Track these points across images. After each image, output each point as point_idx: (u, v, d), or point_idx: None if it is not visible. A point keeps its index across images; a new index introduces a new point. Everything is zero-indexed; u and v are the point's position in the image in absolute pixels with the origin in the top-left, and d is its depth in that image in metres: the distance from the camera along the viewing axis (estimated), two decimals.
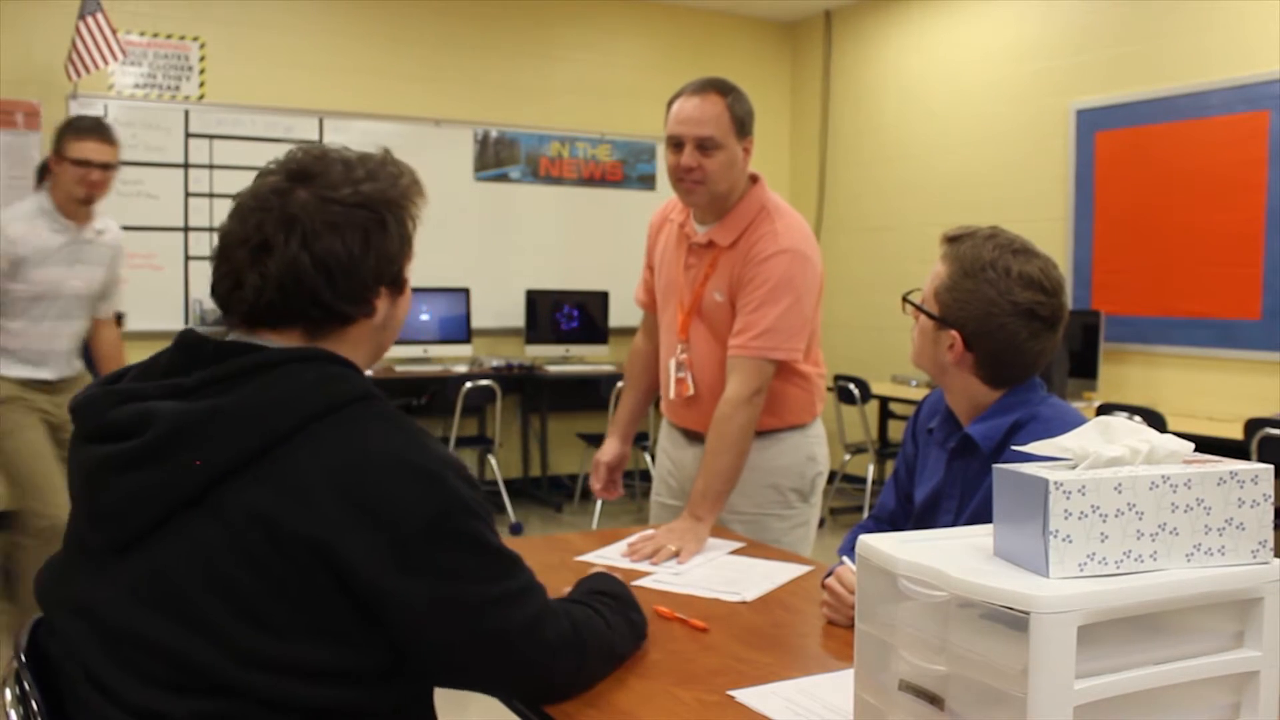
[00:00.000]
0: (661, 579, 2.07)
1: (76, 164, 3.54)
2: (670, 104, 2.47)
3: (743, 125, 2.45)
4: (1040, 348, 1.72)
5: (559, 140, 7.14)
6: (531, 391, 6.87)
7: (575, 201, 7.24)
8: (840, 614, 1.77)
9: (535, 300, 6.86)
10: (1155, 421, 4.48)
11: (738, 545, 2.36)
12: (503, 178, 7.00)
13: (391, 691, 1.22)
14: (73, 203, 3.62)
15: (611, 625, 1.51)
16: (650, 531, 2.35)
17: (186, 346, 1.24)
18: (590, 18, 7.12)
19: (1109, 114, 5.62)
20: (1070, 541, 1.03)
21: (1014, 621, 0.99)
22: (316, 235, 1.22)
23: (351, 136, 6.34)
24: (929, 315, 1.75)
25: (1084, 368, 5.32)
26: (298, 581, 1.12)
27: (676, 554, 2.23)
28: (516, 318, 6.94)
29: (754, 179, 2.54)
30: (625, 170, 7.37)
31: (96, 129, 3.60)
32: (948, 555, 1.10)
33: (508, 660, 1.27)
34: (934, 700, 1.08)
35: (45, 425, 3.64)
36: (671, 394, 2.62)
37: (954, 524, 1.78)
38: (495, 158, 6.97)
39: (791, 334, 2.44)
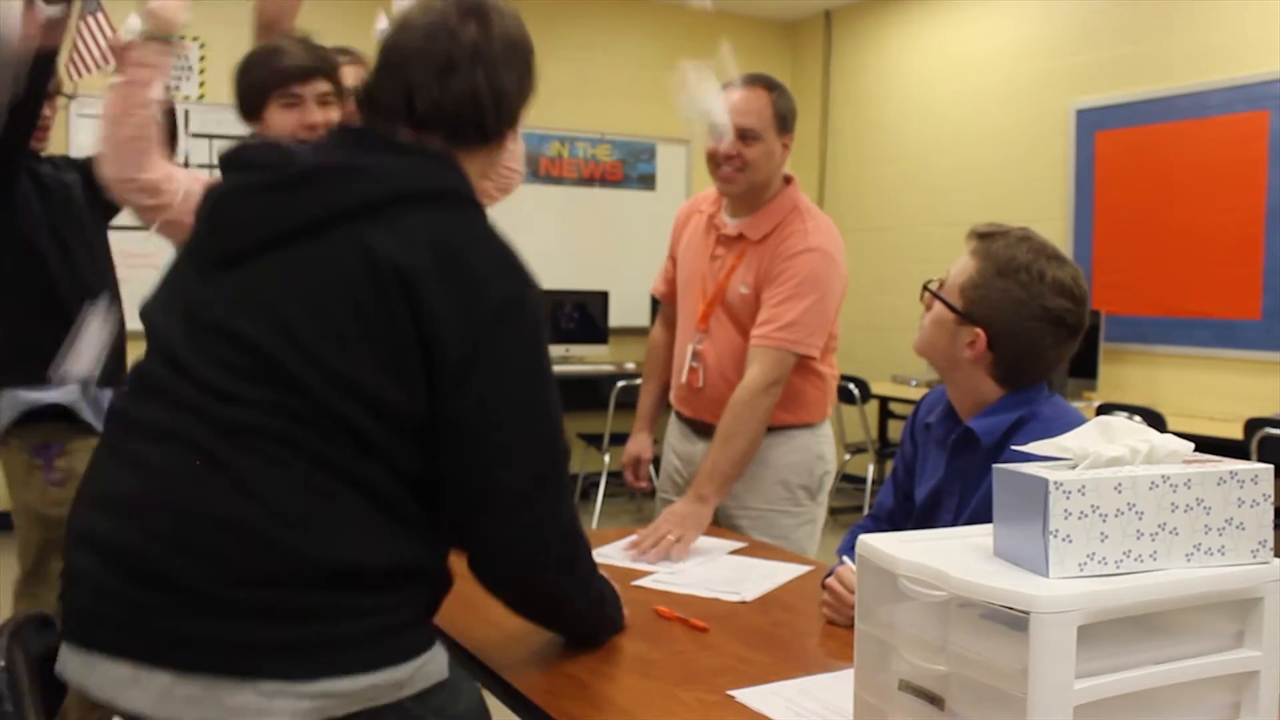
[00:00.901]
0: (661, 579, 2.07)
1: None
2: None
3: (784, 121, 2.55)
4: (1060, 355, 1.72)
5: (559, 140, 7.14)
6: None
7: (575, 201, 7.24)
8: (840, 614, 1.77)
9: None
10: (1155, 421, 4.48)
11: (738, 545, 2.36)
12: None
13: (420, 505, 1.31)
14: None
15: (605, 595, 1.63)
16: (653, 524, 2.35)
17: (337, 130, 1.44)
18: (590, 17, 7.13)
19: (1109, 114, 5.62)
20: (1070, 541, 1.03)
21: (1014, 621, 0.99)
22: (494, 67, 1.41)
23: None
24: (952, 309, 1.73)
25: (1084, 367, 5.32)
26: (380, 309, 1.25)
27: (678, 540, 2.24)
28: None
29: (787, 180, 2.61)
30: (625, 170, 7.37)
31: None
32: (948, 555, 1.10)
33: (522, 475, 1.33)
34: (934, 700, 1.08)
35: None
36: (683, 379, 2.65)
37: (955, 522, 1.78)
38: None
39: (813, 330, 2.48)
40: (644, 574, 2.10)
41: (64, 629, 1.28)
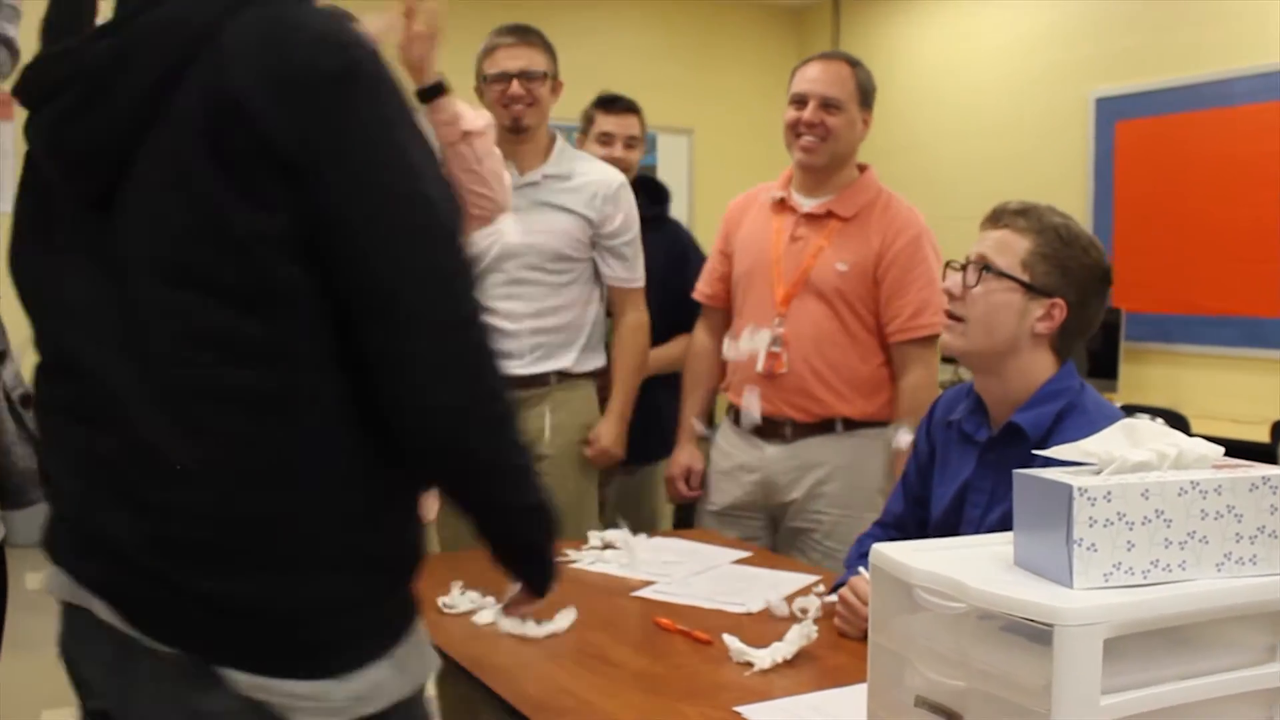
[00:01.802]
0: (662, 589, 2.07)
1: (492, 80, 2.76)
2: (793, 74, 2.66)
3: (866, 95, 2.64)
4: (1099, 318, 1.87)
5: (557, 130, 7.14)
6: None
7: None
8: (853, 626, 1.77)
9: None
10: (1179, 424, 4.48)
11: (742, 554, 2.36)
12: None
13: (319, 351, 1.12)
14: (504, 133, 2.72)
15: (546, 499, 1.32)
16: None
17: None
18: (589, 2, 7.12)
19: (1130, 103, 5.61)
20: (1095, 550, 1.03)
21: (1036, 634, 0.99)
22: None
23: None
24: (1025, 284, 1.77)
25: (1104, 367, 5.31)
26: (228, 145, 1.09)
27: None
28: None
29: (861, 169, 2.70)
30: None
31: (512, 30, 2.82)
32: (966, 564, 1.10)
33: (416, 278, 1.11)
34: (951, 717, 1.07)
35: None
36: (759, 367, 2.59)
37: (981, 521, 1.79)
38: None
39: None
40: (644, 584, 2.10)
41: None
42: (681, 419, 2.85)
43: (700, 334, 2.87)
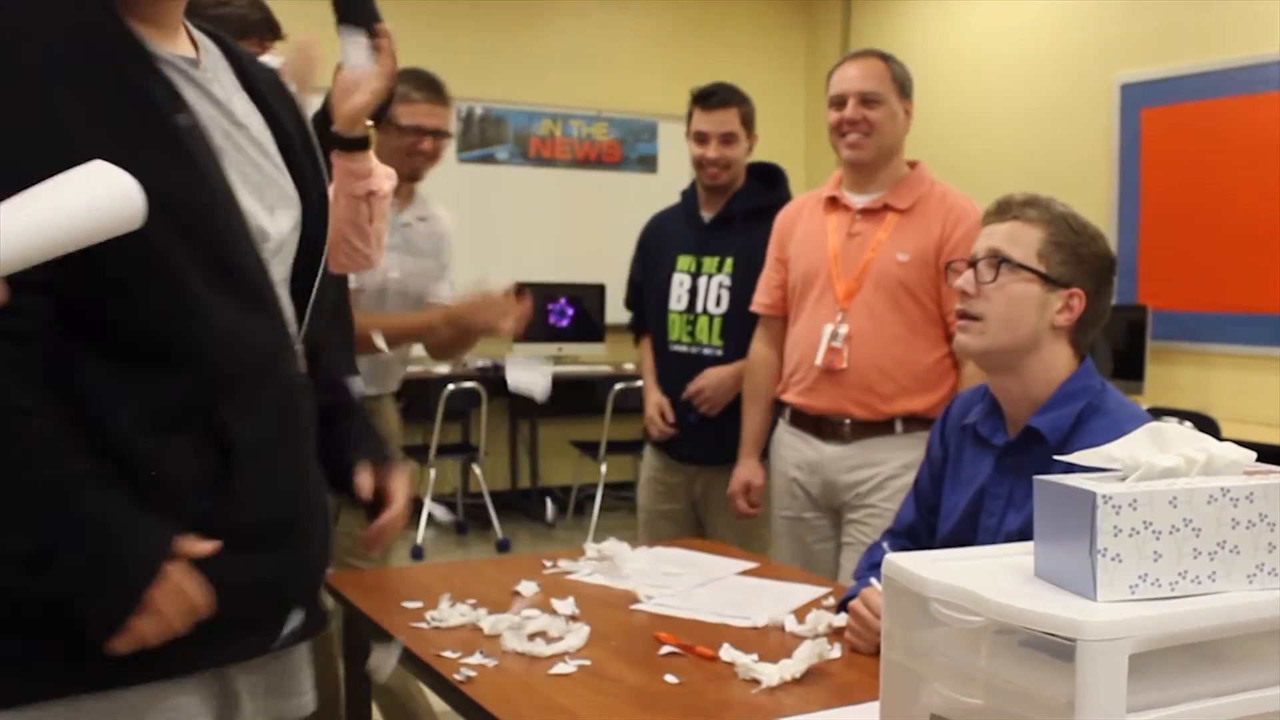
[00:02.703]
0: (663, 602, 2.06)
1: (405, 131, 2.96)
2: (829, 78, 2.80)
3: (903, 86, 2.77)
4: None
5: (551, 118, 7.13)
6: (521, 395, 6.85)
7: (569, 185, 7.23)
8: (865, 640, 1.77)
9: (523, 293, 6.85)
10: (1208, 427, 4.48)
11: (748, 565, 2.36)
12: (488, 159, 7.00)
13: None
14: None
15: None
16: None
17: None
18: None
19: (1156, 88, 5.61)
20: (1120, 561, 1.03)
21: (1058, 650, 0.99)
22: None
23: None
24: (1043, 276, 1.78)
25: (1129, 368, 5.31)
26: None
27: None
28: None
29: (913, 164, 2.81)
30: (624, 151, 7.36)
31: (430, 86, 3.01)
32: (984, 576, 1.10)
33: None
34: None
35: None
36: (818, 361, 2.69)
37: (999, 528, 1.79)
38: (480, 137, 6.97)
39: None
40: (641, 599, 2.09)
41: None
42: (743, 433, 2.97)
43: (759, 345, 2.97)
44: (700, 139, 3.18)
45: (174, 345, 1.20)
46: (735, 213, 3.17)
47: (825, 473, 2.72)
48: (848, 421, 2.69)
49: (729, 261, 3.13)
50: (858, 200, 2.77)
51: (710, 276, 3.15)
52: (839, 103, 2.74)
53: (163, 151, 1.18)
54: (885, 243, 2.69)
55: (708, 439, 3.10)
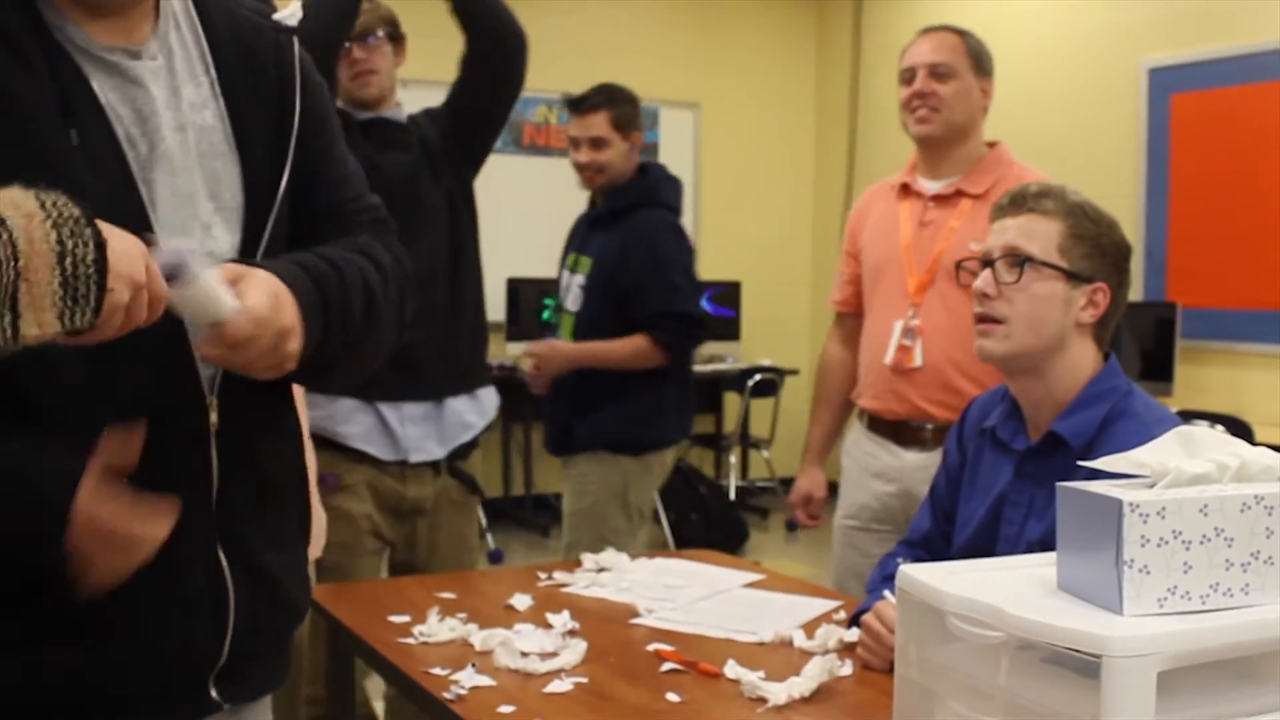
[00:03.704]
0: (664, 616, 2.07)
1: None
2: (901, 55, 2.82)
3: (980, 61, 2.74)
4: None
5: (545, 104, 7.13)
6: (513, 396, 6.85)
7: (564, 175, 7.17)
8: (878, 657, 1.77)
9: (518, 290, 6.86)
10: (1241, 431, 4.48)
11: (755, 577, 2.36)
12: None
13: None
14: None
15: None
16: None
17: None
18: None
19: (1186, 73, 5.61)
20: (1148, 573, 1.03)
21: (1083, 666, 0.99)
22: None
23: None
24: (1066, 271, 1.78)
25: (1157, 369, 5.31)
26: None
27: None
28: (496, 310, 6.90)
29: (993, 145, 2.79)
30: None
31: None
32: (1004, 588, 1.10)
33: None
34: None
35: None
36: (887, 359, 2.66)
37: (1018, 535, 1.79)
38: None
39: None
40: (641, 613, 2.09)
41: None
42: (808, 438, 2.98)
43: (831, 344, 2.97)
44: (573, 144, 3.38)
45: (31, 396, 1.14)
46: (601, 214, 3.37)
47: (906, 482, 2.64)
48: (930, 426, 2.63)
49: (588, 261, 3.32)
50: (930, 186, 2.75)
51: (574, 274, 3.36)
52: (909, 76, 2.74)
53: (34, 175, 1.02)
54: (958, 231, 2.66)
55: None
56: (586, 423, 3.23)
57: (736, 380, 7.09)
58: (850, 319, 2.90)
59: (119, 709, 1.20)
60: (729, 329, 7.38)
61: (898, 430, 2.68)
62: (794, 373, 7.26)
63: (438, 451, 2.76)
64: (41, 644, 1.15)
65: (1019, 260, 1.79)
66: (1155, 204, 5.73)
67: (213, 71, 1.29)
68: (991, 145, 2.79)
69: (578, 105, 3.36)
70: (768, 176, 7.68)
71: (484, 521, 6.34)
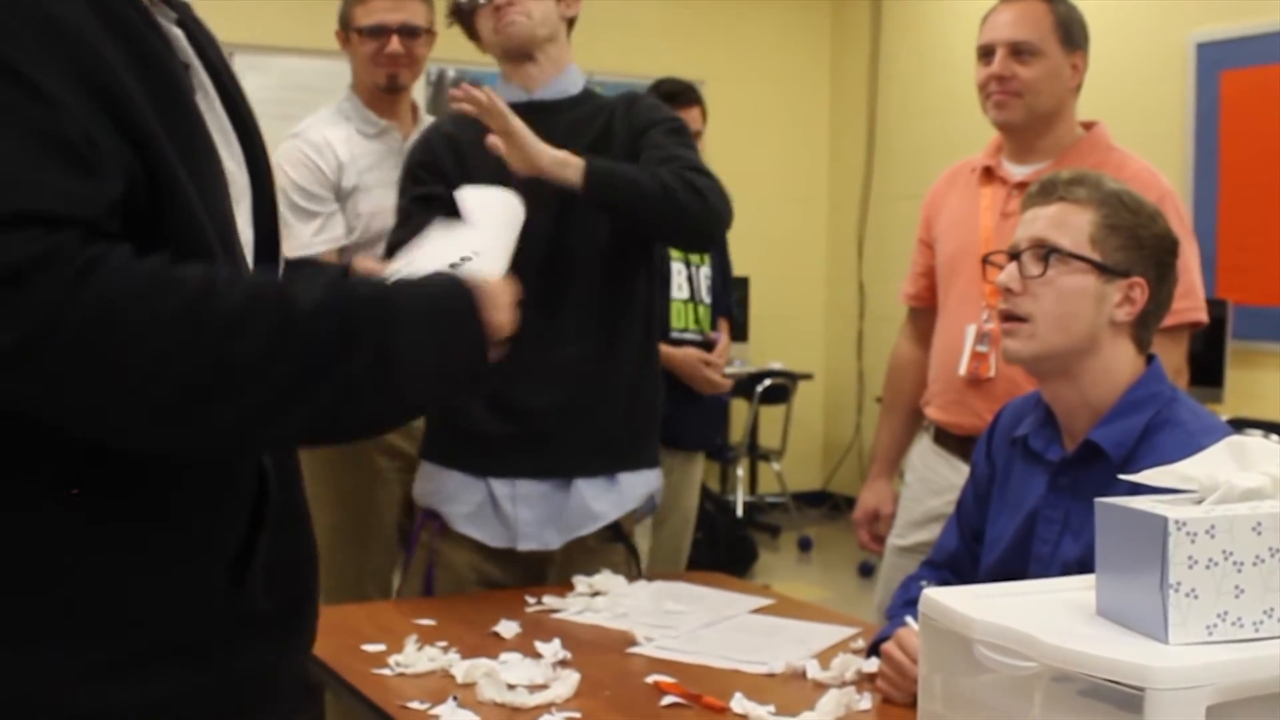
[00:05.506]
0: (665, 645, 2.07)
1: (367, 34, 2.98)
2: (982, 24, 2.71)
3: (1069, 33, 2.68)
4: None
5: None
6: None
7: None
8: (900, 689, 1.77)
9: None
10: None
11: (763, 602, 2.36)
12: None
13: None
14: (376, 92, 3.04)
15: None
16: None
17: None
18: None
19: (1237, 48, 5.62)
20: (1196, 597, 1.03)
21: (1124, 700, 0.99)
22: None
23: (269, 77, 6.33)
24: (1100, 266, 1.78)
25: (1207, 373, 5.31)
26: None
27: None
28: None
29: (1087, 126, 2.75)
30: None
31: None
32: (1038, 614, 1.10)
33: None
34: None
35: None
36: (961, 370, 2.59)
37: (1052, 555, 1.79)
38: None
39: (1202, 291, 2.55)
40: (639, 640, 2.09)
41: None
42: (875, 448, 2.93)
43: (904, 342, 2.92)
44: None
45: None
46: None
47: None
48: None
49: None
50: (1016, 171, 2.67)
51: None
52: (987, 54, 2.64)
53: (190, 132, 1.20)
54: None
55: None
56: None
57: (744, 385, 7.08)
58: (924, 315, 2.83)
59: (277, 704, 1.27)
60: (736, 329, 7.37)
61: (964, 446, 2.55)
62: (807, 377, 7.24)
63: (553, 541, 2.43)
64: (252, 641, 1.21)
65: (1045, 252, 1.79)
66: (1204, 191, 5.73)
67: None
68: (1088, 127, 2.72)
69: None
70: (778, 161, 7.66)
71: None
